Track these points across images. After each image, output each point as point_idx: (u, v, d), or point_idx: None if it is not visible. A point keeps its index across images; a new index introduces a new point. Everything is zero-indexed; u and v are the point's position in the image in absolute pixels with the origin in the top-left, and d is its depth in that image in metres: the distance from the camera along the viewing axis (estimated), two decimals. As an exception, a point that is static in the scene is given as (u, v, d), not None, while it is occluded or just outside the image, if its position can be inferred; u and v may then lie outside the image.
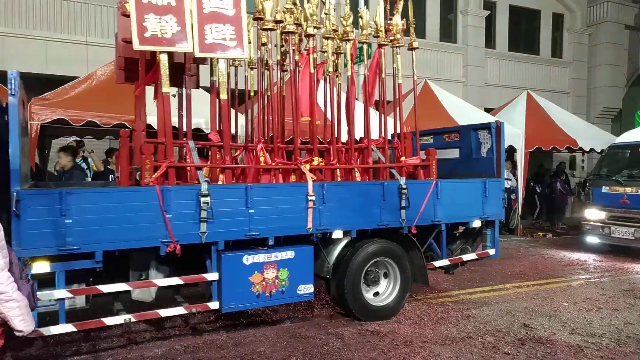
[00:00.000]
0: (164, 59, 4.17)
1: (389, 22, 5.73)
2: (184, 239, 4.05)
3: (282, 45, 5.47)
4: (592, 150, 11.86)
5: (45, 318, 3.82)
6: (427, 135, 6.94)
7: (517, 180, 11.23)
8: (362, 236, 5.05)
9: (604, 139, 11.65)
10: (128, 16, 4.07)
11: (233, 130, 6.17)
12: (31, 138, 6.79)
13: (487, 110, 13.24)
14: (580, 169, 15.26)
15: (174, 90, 5.06)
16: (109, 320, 4.04)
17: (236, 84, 6.27)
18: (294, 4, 5.21)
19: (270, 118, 5.73)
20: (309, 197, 4.58)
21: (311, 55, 5.09)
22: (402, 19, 5.71)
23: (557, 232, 12.21)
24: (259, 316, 5.31)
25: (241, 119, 6.95)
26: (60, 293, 3.78)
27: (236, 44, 4.32)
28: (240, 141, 6.59)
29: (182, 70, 4.87)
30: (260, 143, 5.14)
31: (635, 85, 18.23)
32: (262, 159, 5.00)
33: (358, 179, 5.39)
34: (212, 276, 4.32)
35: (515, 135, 10.72)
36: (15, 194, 3.48)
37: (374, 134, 6.02)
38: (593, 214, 9.20)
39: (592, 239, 9.26)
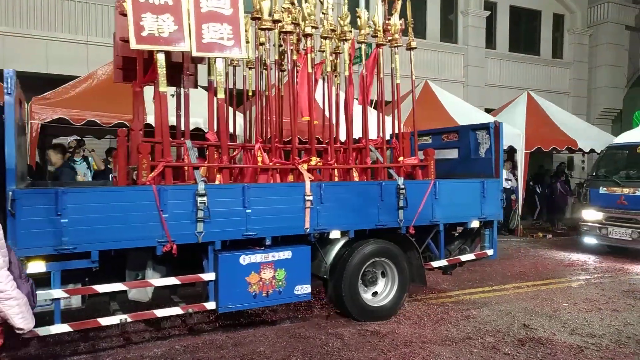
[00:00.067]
0: (161, 58, 4.16)
1: (387, 22, 5.71)
2: (181, 239, 4.04)
3: (280, 45, 5.46)
4: (592, 151, 11.83)
5: (45, 318, 3.81)
6: (425, 135, 6.92)
7: (517, 180, 11.21)
8: (360, 236, 5.03)
9: (604, 140, 11.61)
10: (126, 15, 4.06)
11: (231, 130, 6.17)
12: (32, 137, 6.81)
13: (488, 110, 13.22)
14: (580, 169, 15.22)
15: (172, 89, 5.06)
16: (105, 321, 4.03)
17: (234, 84, 6.26)
18: (292, 3, 5.21)
19: (269, 118, 5.72)
20: (307, 197, 4.57)
21: (309, 55, 5.08)
22: (400, 18, 5.69)
23: (557, 232, 12.20)
24: (259, 316, 5.29)
25: (240, 118, 6.94)
26: (56, 293, 3.77)
27: (234, 43, 4.31)
28: (239, 141, 6.58)
29: (181, 70, 4.86)
30: (257, 143, 5.13)
31: (635, 86, 18.20)
32: (259, 159, 4.99)
33: (356, 179, 5.38)
34: (208, 276, 4.30)
35: (515, 135, 10.71)
36: (10, 193, 3.47)
37: (373, 134, 6.01)
38: (590, 214, 9.17)
39: (589, 240, 9.23)
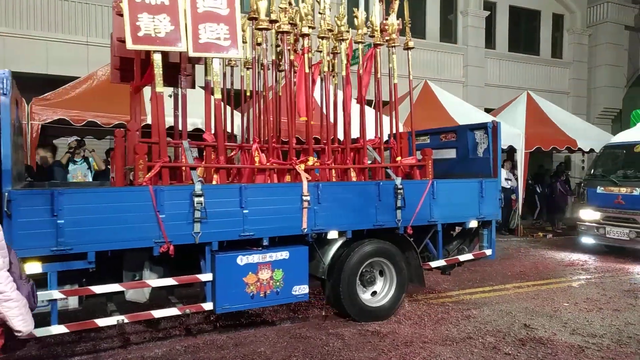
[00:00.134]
0: (157, 59, 4.15)
1: (384, 22, 5.71)
2: (178, 240, 4.02)
3: (277, 45, 5.46)
4: (592, 150, 11.81)
5: (46, 318, 3.80)
6: (423, 135, 6.91)
7: (517, 180, 11.19)
8: (358, 236, 5.02)
9: (604, 140, 11.55)
10: (122, 15, 4.05)
11: (229, 130, 6.17)
12: (32, 138, 6.81)
13: (487, 110, 13.21)
14: (580, 169, 15.21)
15: (169, 90, 5.05)
16: (102, 322, 4.01)
17: (232, 84, 6.25)
18: (289, 3, 5.20)
19: (265, 118, 5.70)
20: (304, 197, 4.55)
21: (306, 55, 5.07)
22: (397, 18, 5.68)
23: (558, 232, 12.17)
24: (259, 316, 5.28)
25: (238, 119, 6.93)
26: (53, 294, 3.76)
27: (230, 43, 4.30)
28: (238, 141, 6.57)
29: (178, 70, 4.85)
30: (255, 143, 5.12)
31: (635, 85, 18.18)
32: (257, 159, 4.98)
33: (354, 179, 5.36)
34: (206, 277, 4.29)
35: (515, 135, 10.70)
36: (6, 194, 3.46)
37: (370, 134, 5.99)
38: (588, 214, 9.14)
39: (587, 240, 9.20)
